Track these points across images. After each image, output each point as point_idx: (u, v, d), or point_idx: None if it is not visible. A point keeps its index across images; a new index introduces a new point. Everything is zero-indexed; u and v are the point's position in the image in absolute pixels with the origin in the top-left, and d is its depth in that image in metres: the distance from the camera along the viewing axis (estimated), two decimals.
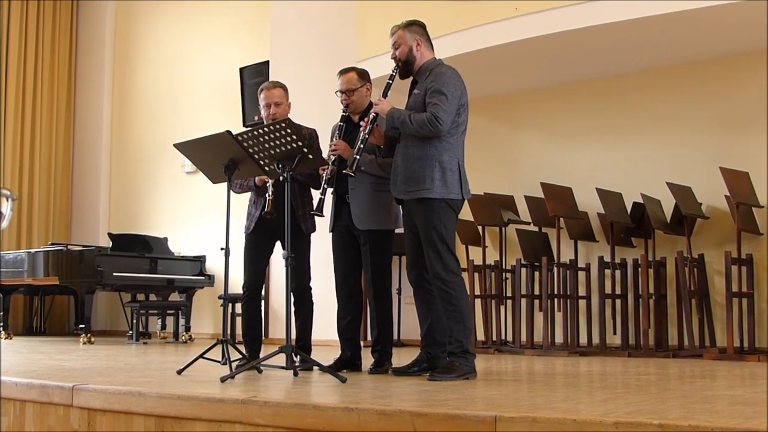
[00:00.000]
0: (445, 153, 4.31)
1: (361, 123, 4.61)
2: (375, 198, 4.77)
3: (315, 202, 4.78)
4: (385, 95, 4.51)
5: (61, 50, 11.65)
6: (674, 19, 6.26)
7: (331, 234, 4.98)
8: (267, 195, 4.71)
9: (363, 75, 4.93)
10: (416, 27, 4.53)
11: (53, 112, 11.45)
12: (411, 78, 4.57)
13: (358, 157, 4.48)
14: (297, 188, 4.99)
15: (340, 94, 4.88)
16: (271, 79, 5.26)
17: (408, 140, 4.38)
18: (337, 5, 8.76)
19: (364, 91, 4.90)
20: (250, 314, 5.09)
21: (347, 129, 4.84)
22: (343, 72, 4.93)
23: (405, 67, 4.50)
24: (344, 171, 4.53)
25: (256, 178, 4.96)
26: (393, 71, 4.53)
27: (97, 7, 11.78)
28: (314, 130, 5.13)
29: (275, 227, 4.78)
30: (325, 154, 4.78)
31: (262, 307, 5.28)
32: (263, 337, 5.48)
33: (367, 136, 4.50)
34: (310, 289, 5.08)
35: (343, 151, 4.70)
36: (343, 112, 4.89)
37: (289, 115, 5.06)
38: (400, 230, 4.96)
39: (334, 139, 4.81)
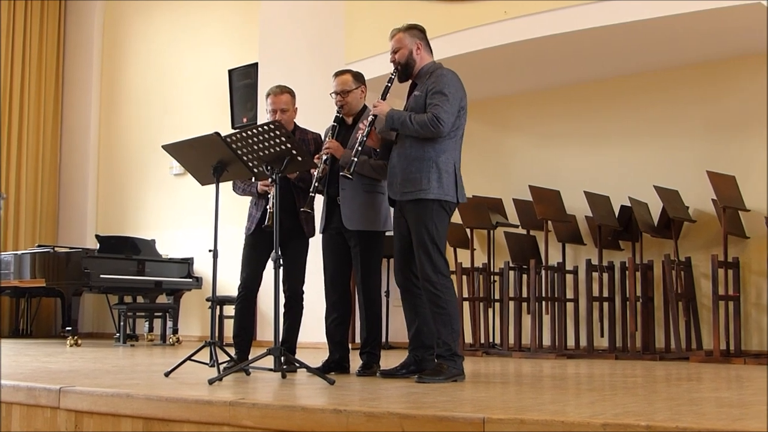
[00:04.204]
0: (442, 155, 4.31)
1: (360, 125, 4.61)
2: (365, 199, 4.78)
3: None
4: (383, 98, 4.50)
5: (49, 51, 11.59)
6: (662, 23, 6.29)
7: (321, 236, 4.98)
8: (267, 207, 4.71)
9: (358, 77, 4.94)
10: (416, 31, 4.52)
11: (40, 113, 11.39)
12: (409, 81, 4.56)
13: (356, 159, 4.48)
14: (299, 192, 4.99)
15: (335, 95, 4.89)
16: (278, 84, 5.23)
17: (405, 142, 4.38)
18: (326, 8, 8.76)
19: (359, 93, 4.91)
20: (243, 315, 5.07)
21: (341, 131, 4.85)
22: (339, 74, 4.95)
23: (404, 70, 4.49)
24: (342, 173, 4.53)
25: (259, 185, 4.96)
26: (392, 74, 4.51)
27: (85, 8, 11.73)
28: (319, 135, 5.13)
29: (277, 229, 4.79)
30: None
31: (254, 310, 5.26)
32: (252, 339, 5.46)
33: (365, 139, 4.49)
34: (302, 293, 5.08)
35: (336, 150, 4.71)
36: (338, 113, 4.89)
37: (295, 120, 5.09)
38: (389, 233, 4.97)
39: (327, 140, 4.82)
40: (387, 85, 4.52)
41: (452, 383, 4.14)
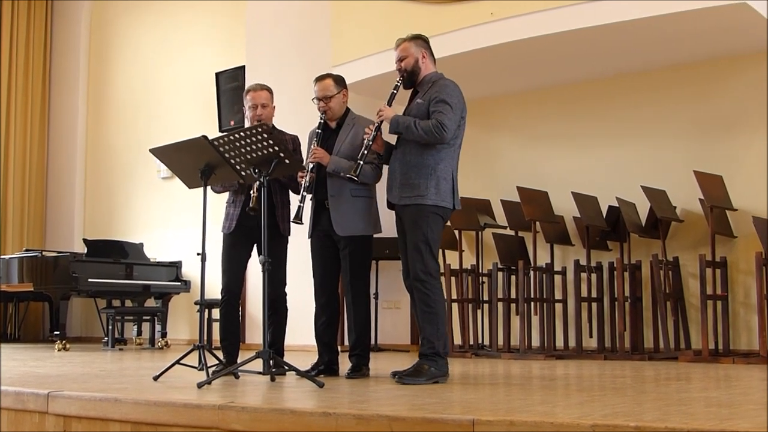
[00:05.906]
0: (441, 162, 4.42)
1: (366, 129, 4.64)
2: (354, 204, 4.79)
3: (293, 207, 4.77)
4: (389, 104, 4.59)
5: (36, 52, 11.54)
6: (649, 24, 6.30)
7: (309, 239, 4.97)
8: (251, 192, 4.70)
9: (339, 81, 4.94)
10: (421, 41, 4.66)
11: (27, 116, 11.34)
12: (411, 89, 4.68)
13: (362, 162, 4.54)
14: (277, 188, 4.99)
15: (317, 101, 4.88)
16: (256, 82, 5.25)
17: (405, 148, 4.48)
18: (313, 9, 8.75)
19: (341, 98, 4.91)
20: (228, 319, 5.06)
21: (325, 136, 4.86)
22: (320, 79, 4.94)
23: (410, 77, 4.62)
24: (349, 175, 4.57)
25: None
26: (397, 81, 4.64)
27: (73, 9, 11.69)
28: (296, 137, 5.14)
29: (255, 227, 4.76)
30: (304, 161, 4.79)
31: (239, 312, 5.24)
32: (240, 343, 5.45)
33: (370, 143, 4.56)
34: (285, 295, 5.06)
35: (322, 158, 4.71)
36: (321, 119, 4.89)
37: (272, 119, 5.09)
38: (378, 235, 4.98)
39: (312, 146, 4.81)
40: (393, 92, 4.63)
41: (442, 384, 4.15)
